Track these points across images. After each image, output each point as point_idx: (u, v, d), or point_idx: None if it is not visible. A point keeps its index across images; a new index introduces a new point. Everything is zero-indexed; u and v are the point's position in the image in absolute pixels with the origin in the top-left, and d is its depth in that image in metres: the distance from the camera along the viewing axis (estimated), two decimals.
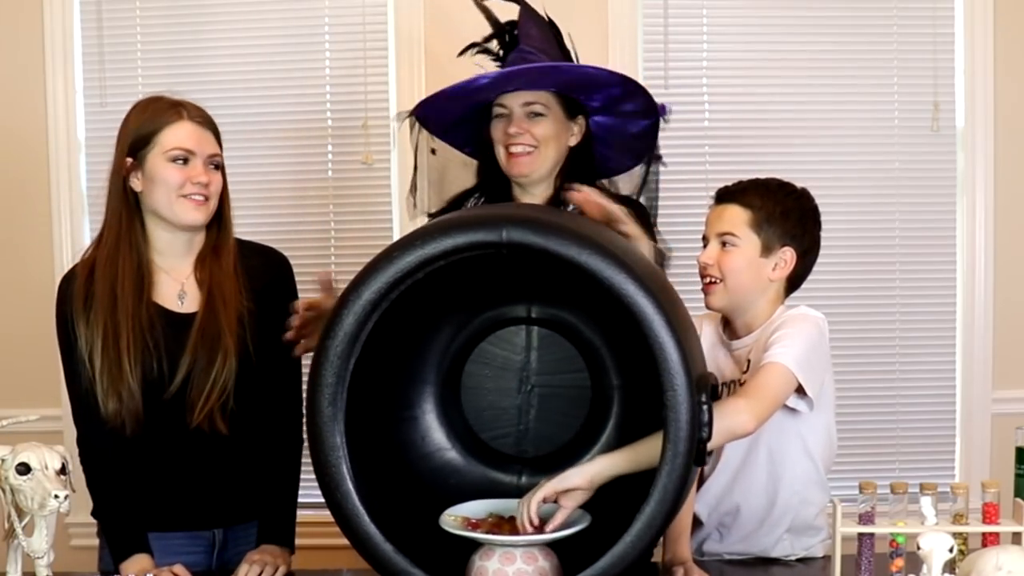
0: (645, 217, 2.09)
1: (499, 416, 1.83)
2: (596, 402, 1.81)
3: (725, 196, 1.93)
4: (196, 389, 1.86)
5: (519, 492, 1.74)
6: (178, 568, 1.79)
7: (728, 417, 1.62)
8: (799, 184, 1.96)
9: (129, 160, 1.86)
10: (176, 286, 1.91)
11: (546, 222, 1.51)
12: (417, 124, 2.16)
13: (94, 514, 1.93)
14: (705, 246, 1.93)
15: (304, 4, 2.99)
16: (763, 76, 2.96)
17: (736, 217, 1.88)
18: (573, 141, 2.08)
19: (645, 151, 2.18)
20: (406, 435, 1.81)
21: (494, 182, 2.09)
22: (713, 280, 1.90)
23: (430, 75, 2.94)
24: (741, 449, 1.90)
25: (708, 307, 1.94)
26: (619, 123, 2.14)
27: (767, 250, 1.88)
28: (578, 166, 2.08)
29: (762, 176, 1.96)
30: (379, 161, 2.99)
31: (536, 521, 1.56)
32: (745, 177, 1.96)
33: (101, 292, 1.84)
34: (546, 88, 2.03)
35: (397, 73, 2.97)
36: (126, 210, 1.88)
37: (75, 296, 1.87)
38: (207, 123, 1.91)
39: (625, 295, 1.43)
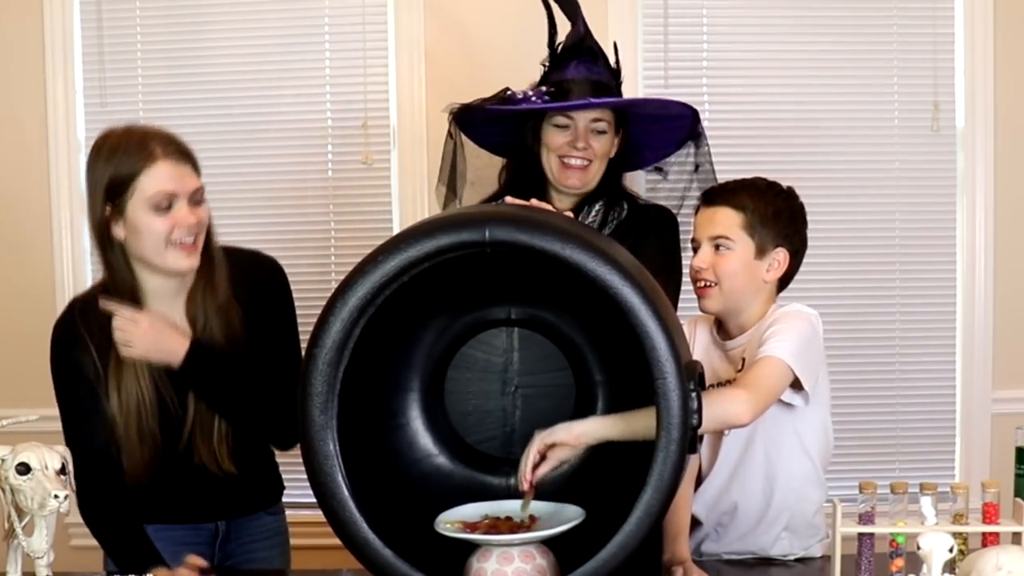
0: (673, 224, 2.11)
1: (484, 419, 1.82)
2: (580, 399, 1.81)
3: (715, 198, 1.92)
4: (203, 433, 1.85)
5: (509, 494, 1.74)
6: (192, 559, 1.75)
7: (725, 404, 1.64)
8: (800, 184, 1.97)
9: (108, 207, 1.75)
10: None
11: (529, 219, 1.51)
12: (453, 119, 2.18)
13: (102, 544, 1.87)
14: (695, 250, 1.92)
15: (304, 4, 2.99)
16: (763, 76, 2.96)
17: (728, 220, 1.88)
18: (613, 152, 2.12)
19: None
20: (393, 444, 1.80)
21: (529, 184, 2.08)
22: (708, 284, 1.89)
23: (430, 75, 2.94)
24: (738, 447, 1.90)
25: (703, 311, 1.94)
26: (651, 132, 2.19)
27: (761, 252, 1.88)
28: (611, 174, 2.13)
29: (757, 176, 1.96)
30: (379, 161, 2.99)
31: (530, 476, 1.58)
32: (745, 177, 1.96)
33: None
34: (615, 108, 2.08)
35: (397, 73, 2.97)
36: (115, 259, 1.78)
37: (81, 343, 1.80)
38: (183, 155, 1.77)
39: (610, 287, 1.43)
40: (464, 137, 2.23)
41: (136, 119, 2.99)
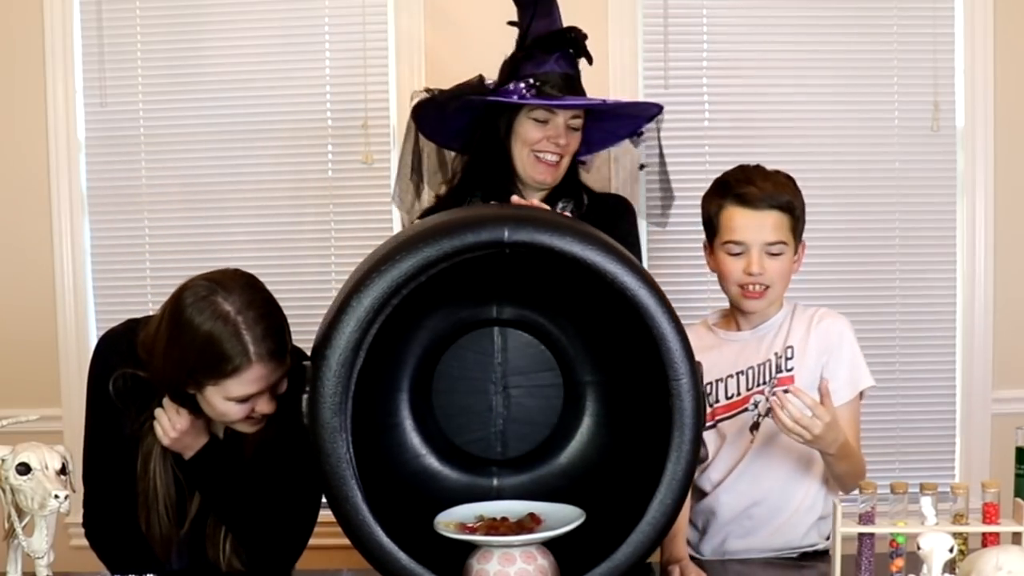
0: (632, 213, 2.12)
1: (473, 419, 1.81)
2: (569, 399, 1.81)
3: (758, 202, 1.88)
4: (212, 525, 1.83)
5: (498, 494, 1.75)
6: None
7: (862, 464, 1.86)
8: (799, 183, 1.98)
9: (187, 380, 1.66)
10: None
11: (546, 220, 1.51)
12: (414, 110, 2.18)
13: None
14: (735, 253, 1.89)
15: (304, 4, 2.99)
16: (763, 76, 2.96)
17: (784, 225, 1.89)
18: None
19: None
20: (383, 443, 1.79)
21: (497, 180, 2.08)
22: (763, 287, 1.89)
23: (430, 75, 2.94)
24: (767, 441, 1.91)
25: (751, 312, 1.94)
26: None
27: (794, 248, 1.93)
28: (571, 169, 2.15)
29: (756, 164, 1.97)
30: (379, 161, 2.99)
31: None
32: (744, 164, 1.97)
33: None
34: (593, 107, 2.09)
35: (397, 73, 2.97)
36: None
37: (130, 391, 1.75)
38: (277, 352, 1.65)
39: (627, 288, 1.45)
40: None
41: (136, 119, 3.00)
